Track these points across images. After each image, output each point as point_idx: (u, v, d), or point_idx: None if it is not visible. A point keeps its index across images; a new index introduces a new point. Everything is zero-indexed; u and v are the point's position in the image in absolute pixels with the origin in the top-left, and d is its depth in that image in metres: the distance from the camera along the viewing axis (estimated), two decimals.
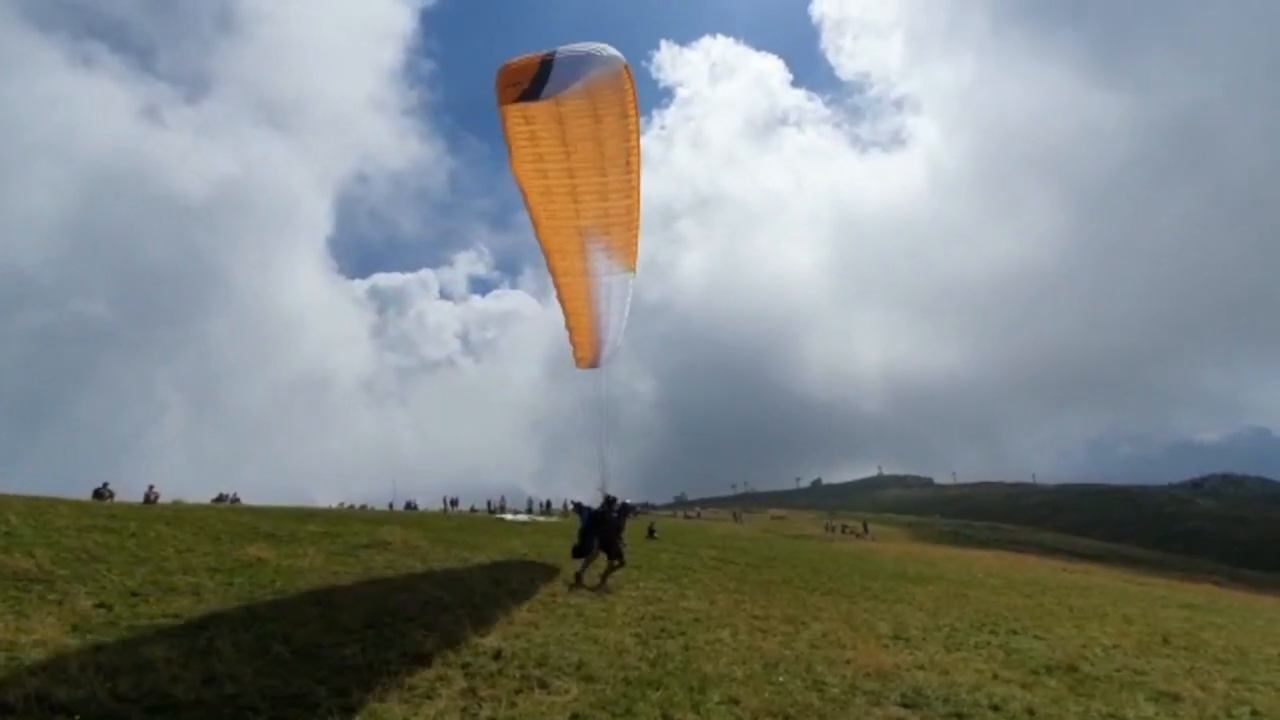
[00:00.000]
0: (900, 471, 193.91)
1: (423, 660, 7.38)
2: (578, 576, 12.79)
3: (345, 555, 14.39)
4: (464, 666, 7.28)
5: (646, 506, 73.83)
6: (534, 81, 8.53)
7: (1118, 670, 9.16)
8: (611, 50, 9.37)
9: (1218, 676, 9.04)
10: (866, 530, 59.58)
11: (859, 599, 14.62)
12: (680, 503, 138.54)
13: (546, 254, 13.06)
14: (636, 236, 13.16)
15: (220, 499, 36.29)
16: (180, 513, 18.90)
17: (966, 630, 11.63)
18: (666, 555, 20.46)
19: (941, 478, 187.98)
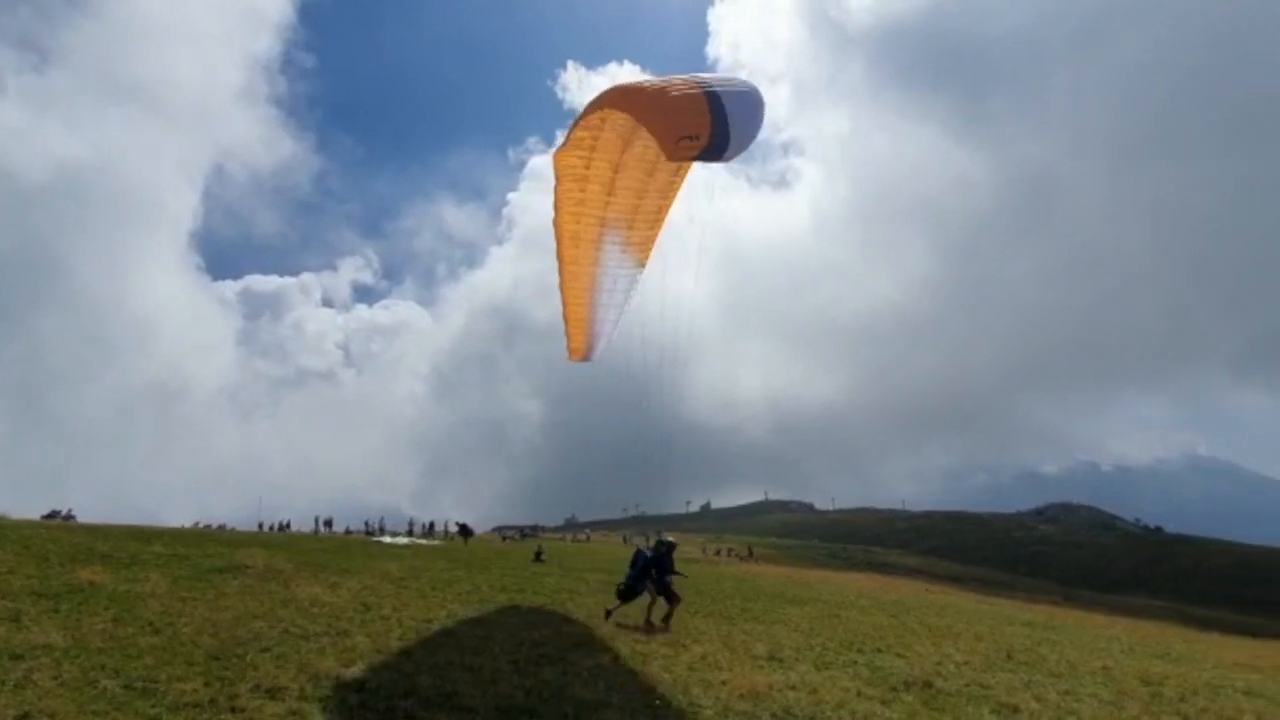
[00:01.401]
0: (784, 497, 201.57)
1: (275, 694, 6.80)
2: (610, 613, 13.07)
3: (195, 580, 13.12)
4: (322, 700, 6.78)
5: (535, 529, 72.43)
6: (714, 135, 7.74)
7: (967, 685, 9.82)
8: (755, 87, 8.76)
9: (1051, 689, 9.89)
10: (751, 554, 61.27)
11: (739, 621, 14.93)
12: (570, 525, 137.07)
13: (560, 239, 12.76)
14: (658, 234, 13.23)
15: (52, 515, 32.35)
16: (2, 530, 16.63)
17: (837, 649, 12.12)
18: (552, 579, 20.11)
19: (822, 504, 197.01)
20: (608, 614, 13.10)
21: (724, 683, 8.83)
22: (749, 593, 21.69)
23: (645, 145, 11.18)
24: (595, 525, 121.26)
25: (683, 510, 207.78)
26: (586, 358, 15.05)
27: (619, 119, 10.44)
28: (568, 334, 14.66)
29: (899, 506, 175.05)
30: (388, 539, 36.91)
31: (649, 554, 13.11)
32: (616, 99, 9.40)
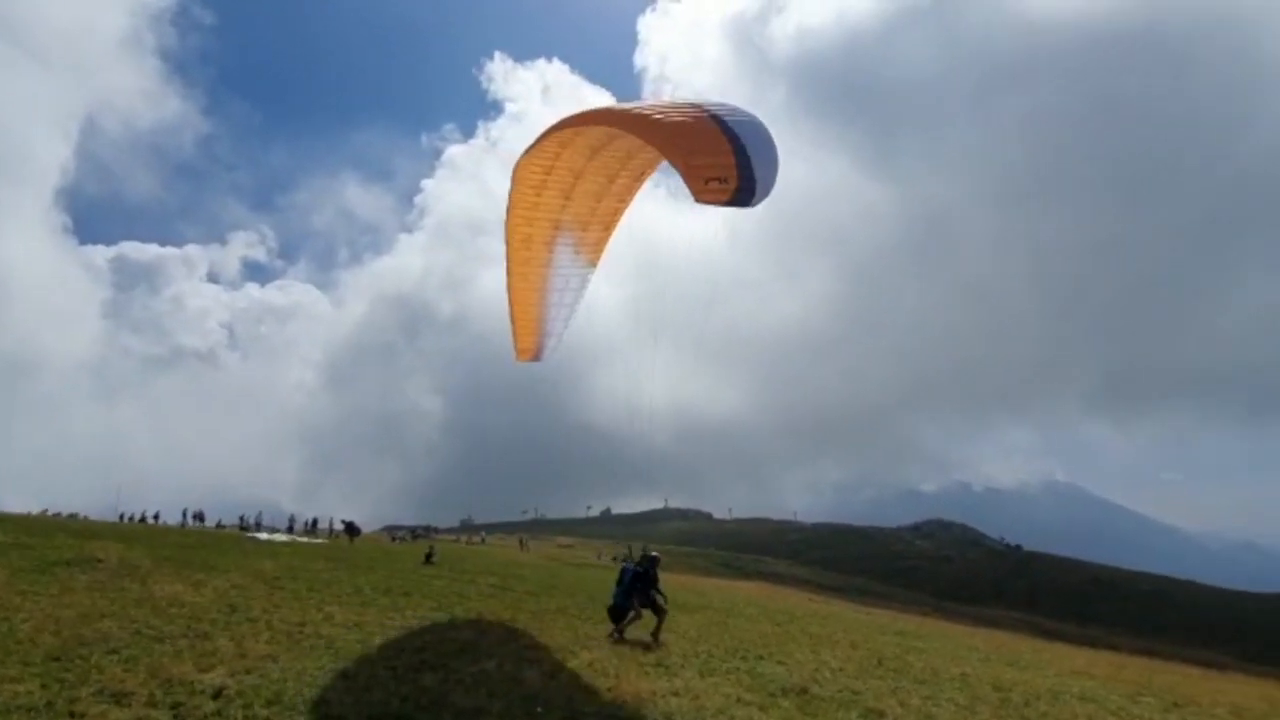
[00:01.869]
0: (683, 505, 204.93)
1: (121, 700, 6.25)
2: (620, 631, 12.76)
3: (37, 573, 11.87)
4: (174, 707, 6.28)
5: (427, 530, 70.17)
6: (741, 180, 7.59)
7: (840, 691, 10.30)
8: (764, 125, 8.44)
9: (914, 694, 10.52)
10: None
11: (630, 627, 15.02)
12: (466, 527, 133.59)
13: (510, 241, 12.63)
14: (611, 236, 13.26)
15: None
16: None
17: (722, 656, 12.40)
18: (441, 582, 19.52)
19: (719, 512, 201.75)
20: (613, 636, 12.70)
21: (609, 689, 8.85)
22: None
23: (613, 154, 11.37)
24: (492, 528, 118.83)
25: (583, 515, 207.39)
26: (536, 358, 14.77)
27: (598, 132, 10.50)
28: (515, 334, 14.44)
29: (792, 518, 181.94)
30: (264, 535, 34.68)
31: (636, 569, 12.93)
32: (627, 122, 9.19)
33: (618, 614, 12.82)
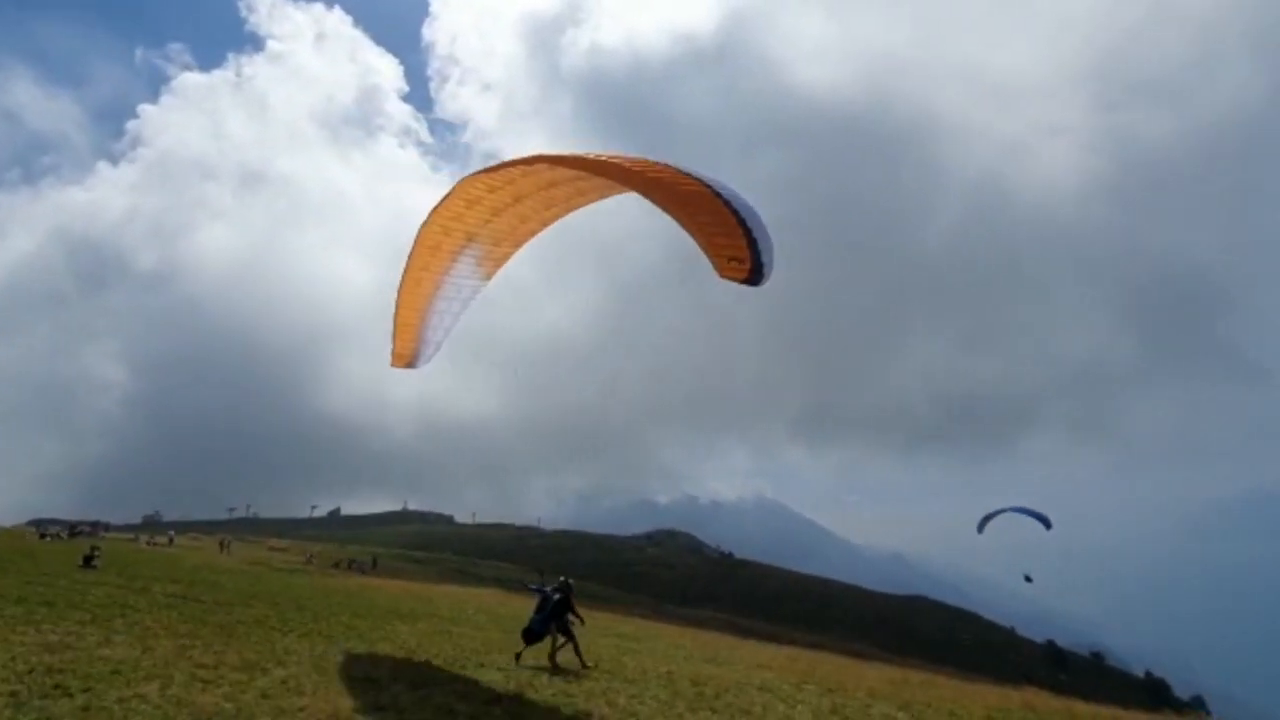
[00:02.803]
0: (424, 507, 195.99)
1: None
2: (518, 656, 12.98)
3: None
4: None
5: (94, 526, 58.08)
6: (754, 260, 8.57)
7: (554, 694, 10.48)
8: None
9: (623, 694, 11.10)
10: (375, 565, 57.87)
11: (340, 639, 13.80)
12: (150, 525, 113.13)
13: (418, 245, 12.66)
14: (516, 253, 13.57)
15: None
16: None
17: (440, 666, 11.94)
18: (102, 590, 16.22)
19: (462, 516, 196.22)
20: (517, 657, 12.94)
21: (301, 709, 8.00)
22: (360, 608, 20.30)
23: (567, 191, 11.92)
24: (185, 526, 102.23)
25: (307, 514, 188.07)
26: (411, 364, 14.38)
27: (568, 173, 11.01)
28: (394, 338, 14.07)
29: (535, 524, 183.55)
30: None
31: (556, 595, 13.09)
32: (635, 182, 9.51)
33: (532, 637, 13.01)
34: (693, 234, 9.00)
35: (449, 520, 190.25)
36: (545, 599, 13.21)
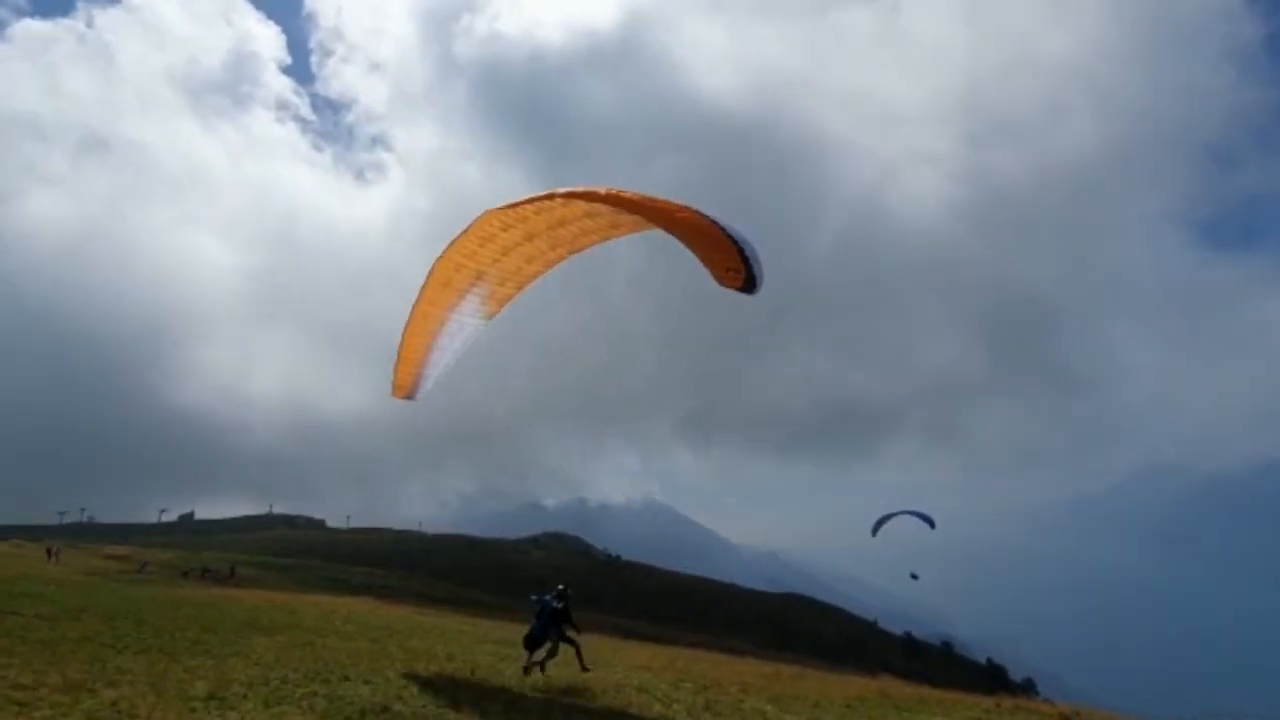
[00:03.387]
0: (292, 511, 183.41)
1: None
2: (531, 665, 13.53)
3: None
4: None
5: None
6: (748, 270, 10.14)
7: (424, 706, 10.09)
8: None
9: (498, 700, 10.88)
10: (233, 574, 53.60)
11: (185, 656, 12.62)
12: None
13: (430, 279, 13.07)
14: (518, 295, 14.02)
15: None
16: None
17: (299, 681, 11.17)
18: None
19: (335, 521, 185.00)
20: (526, 669, 13.48)
21: None
22: (211, 621, 18.68)
23: (576, 230, 12.45)
24: (6, 532, 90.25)
25: (155, 519, 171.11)
26: (410, 395, 14.82)
27: (583, 208, 11.70)
28: (397, 369, 14.57)
29: (416, 528, 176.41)
30: None
31: (556, 604, 13.40)
32: (643, 210, 10.81)
33: (533, 643, 13.40)
34: (696, 252, 10.48)
35: (320, 525, 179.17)
36: (545, 607, 13.58)
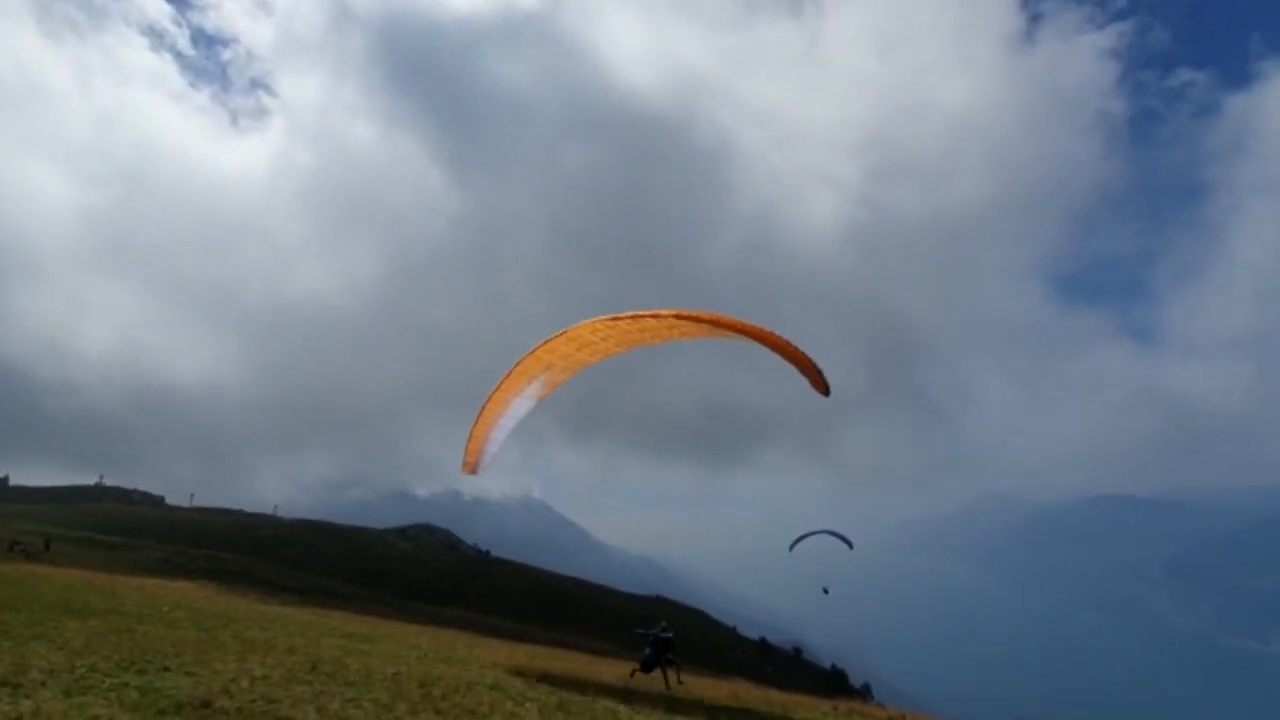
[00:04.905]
0: (126, 484, 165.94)
1: None
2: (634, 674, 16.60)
3: None
4: None
5: None
6: (824, 379, 13.72)
7: (253, 701, 9.40)
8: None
9: (338, 698, 10.30)
10: (48, 549, 47.89)
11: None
12: None
13: (515, 368, 14.42)
14: (565, 380, 15.35)
15: None
16: None
17: (109, 670, 10.12)
18: None
19: (176, 498, 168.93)
20: (634, 674, 16.59)
21: None
22: (15, 600, 16.62)
23: (649, 334, 13.96)
24: None
25: None
26: (474, 472, 16.06)
27: (667, 323, 13.57)
28: (469, 449, 15.75)
29: (271, 511, 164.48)
30: None
31: (665, 635, 16.32)
32: (746, 333, 13.13)
33: (648, 667, 16.21)
34: (799, 366, 13.41)
35: (158, 501, 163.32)
36: (655, 638, 16.23)
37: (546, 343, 14.36)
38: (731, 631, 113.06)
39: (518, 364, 14.74)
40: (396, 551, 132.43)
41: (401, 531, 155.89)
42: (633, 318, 13.50)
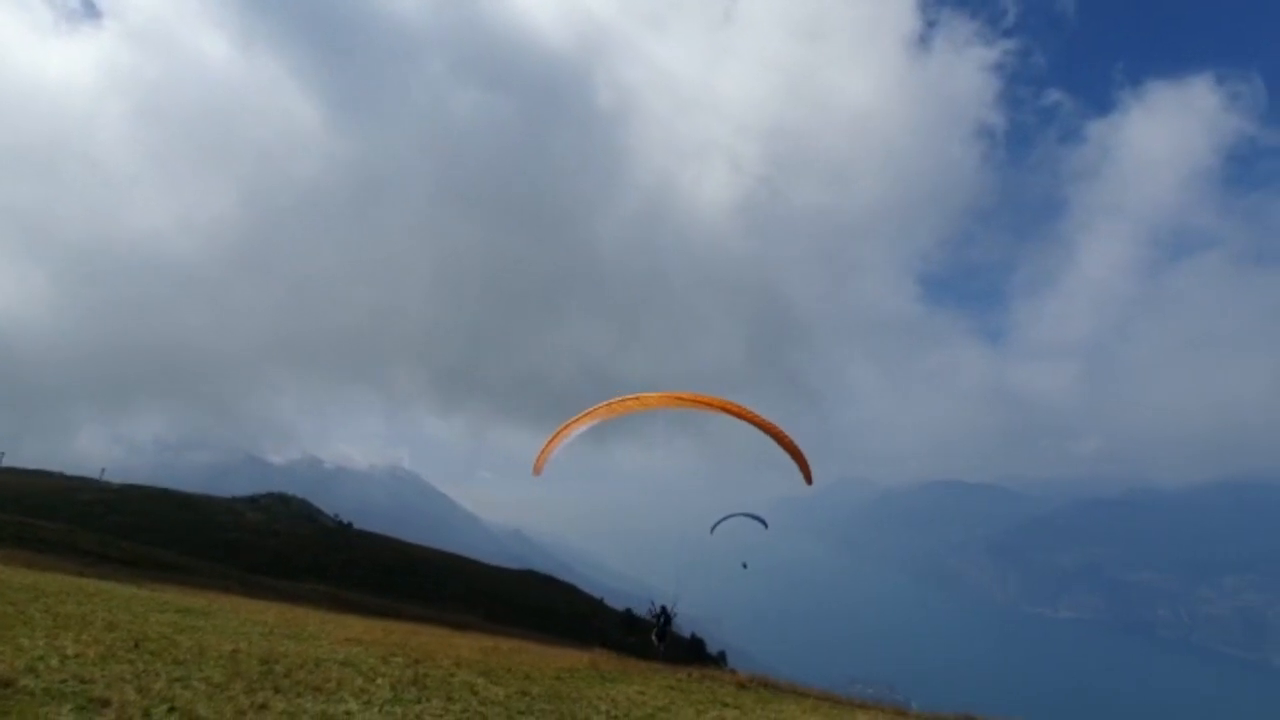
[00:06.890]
0: None
1: None
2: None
3: None
4: None
5: None
6: (808, 471, 18.60)
7: (63, 681, 8.58)
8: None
9: (163, 677, 9.58)
10: None
11: None
12: None
13: (599, 407, 17.80)
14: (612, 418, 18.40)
15: None
16: None
17: None
18: None
19: None
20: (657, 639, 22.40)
21: None
22: None
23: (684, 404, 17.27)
24: None
25: None
26: (539, 473, 18.36)
27: (718, 413, 17.28)
28: (543, 453, 18.28)
29: (98, 475, 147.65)
30: None
31: (671, 612, 21.89)
32: (759, 425, 17.27)
33: (662, 636, 21.78)
34: (792, 455, 17.71)
35: None
36: (665, 612, 21.61)
37: (625, 398, 17.78)
38: (599, 603, 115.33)
39: (615, 401, 17.83)
40: (245, 521, 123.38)
41: (252, 500, 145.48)
42: (659, 400, 17.40)
